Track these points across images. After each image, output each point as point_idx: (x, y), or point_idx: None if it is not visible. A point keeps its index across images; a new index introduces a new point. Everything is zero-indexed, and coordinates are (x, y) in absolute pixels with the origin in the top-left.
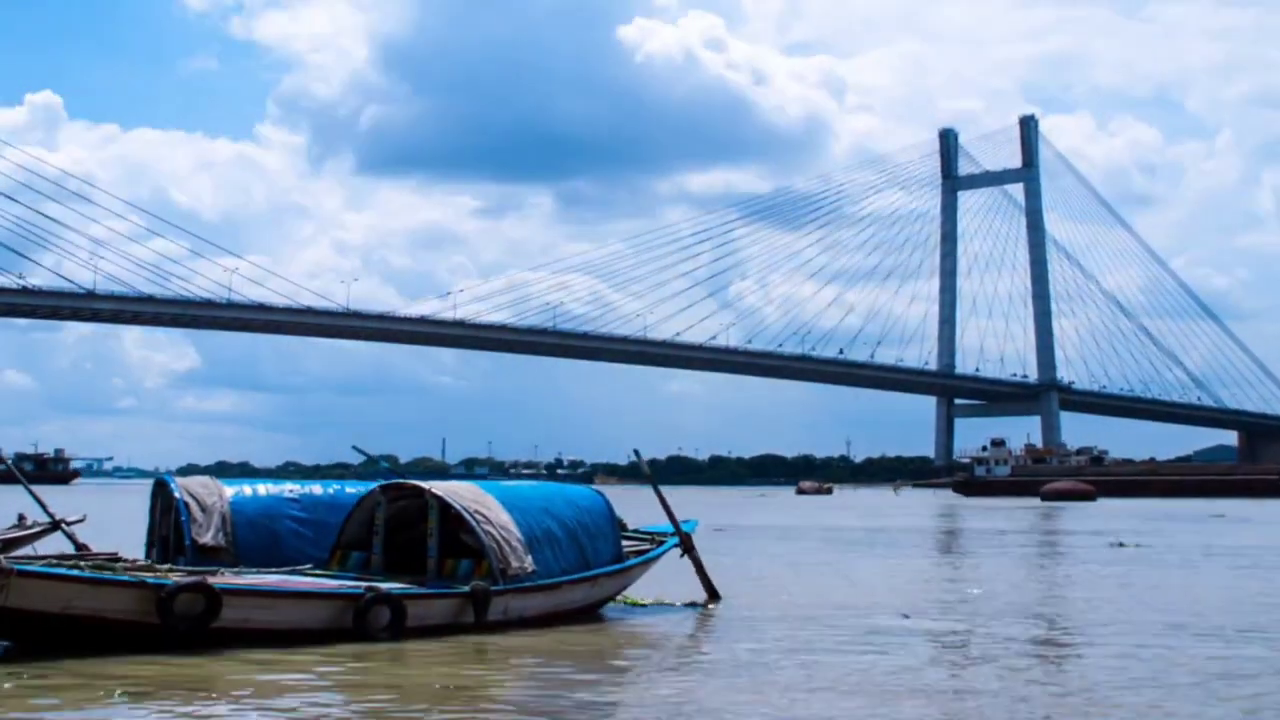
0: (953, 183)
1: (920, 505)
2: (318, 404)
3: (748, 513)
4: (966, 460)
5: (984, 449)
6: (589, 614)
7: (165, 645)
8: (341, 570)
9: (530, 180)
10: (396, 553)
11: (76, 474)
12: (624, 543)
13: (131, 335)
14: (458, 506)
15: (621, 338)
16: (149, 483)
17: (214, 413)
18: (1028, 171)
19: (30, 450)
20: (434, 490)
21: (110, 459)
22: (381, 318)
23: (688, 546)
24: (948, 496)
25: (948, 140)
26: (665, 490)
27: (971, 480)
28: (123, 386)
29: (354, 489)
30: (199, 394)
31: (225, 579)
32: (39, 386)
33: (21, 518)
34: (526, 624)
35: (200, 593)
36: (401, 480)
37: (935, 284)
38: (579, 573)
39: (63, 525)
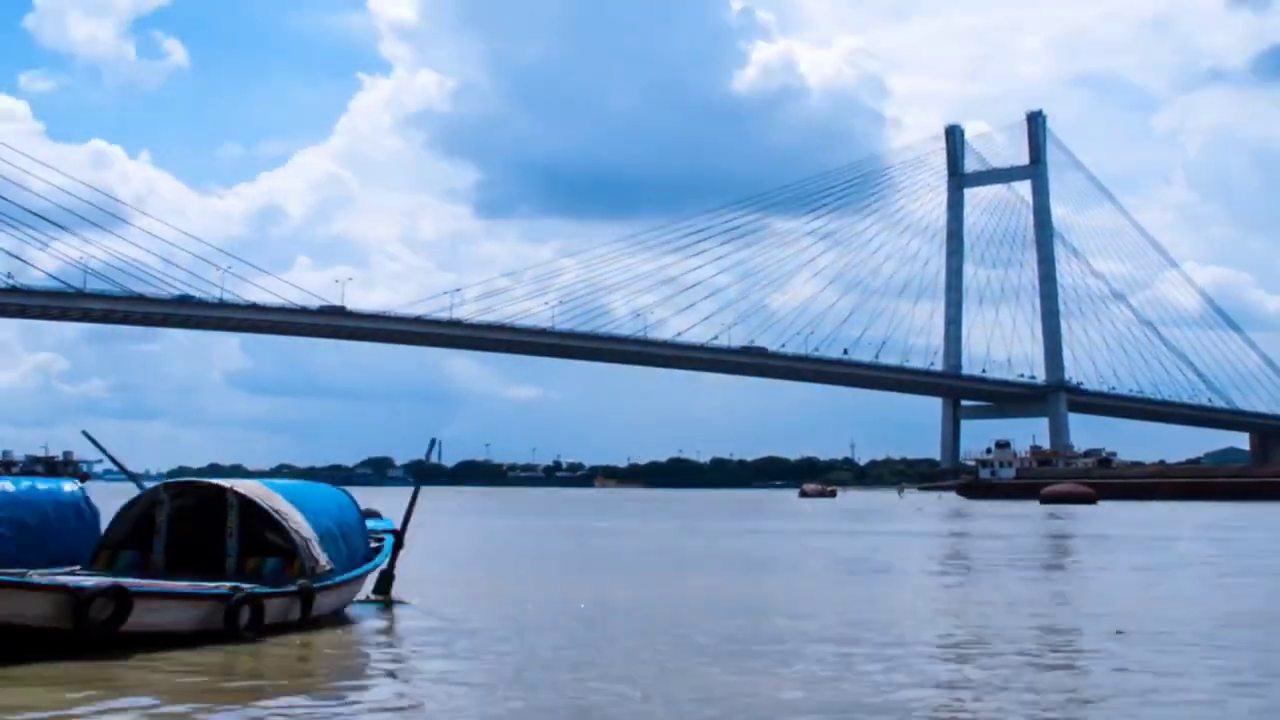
0: (959, 180)
1: (927, 508)
2: (314, 406)
3: (758, 520)
4: (972, 463)
5: (989, 451)
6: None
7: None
8: (113, 570)
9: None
10: (177, 552)
11: (87, 476)
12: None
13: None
14: (265, 505)
15: (622, 338)
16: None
17: (210, 415)
18: (1035, 169)
19: (41, 453)
20: (236, 488)
21: (100, 461)
22: (376, 318)
23: (398, 544)
24: (952, 500)
25: (954, 137)
26: (664, 492)
27: (976, 483)
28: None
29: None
30: (196, 396)
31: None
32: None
33: None
34: (323, 622)
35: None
36: (190, 480)
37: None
38: (349, 571)
39: None
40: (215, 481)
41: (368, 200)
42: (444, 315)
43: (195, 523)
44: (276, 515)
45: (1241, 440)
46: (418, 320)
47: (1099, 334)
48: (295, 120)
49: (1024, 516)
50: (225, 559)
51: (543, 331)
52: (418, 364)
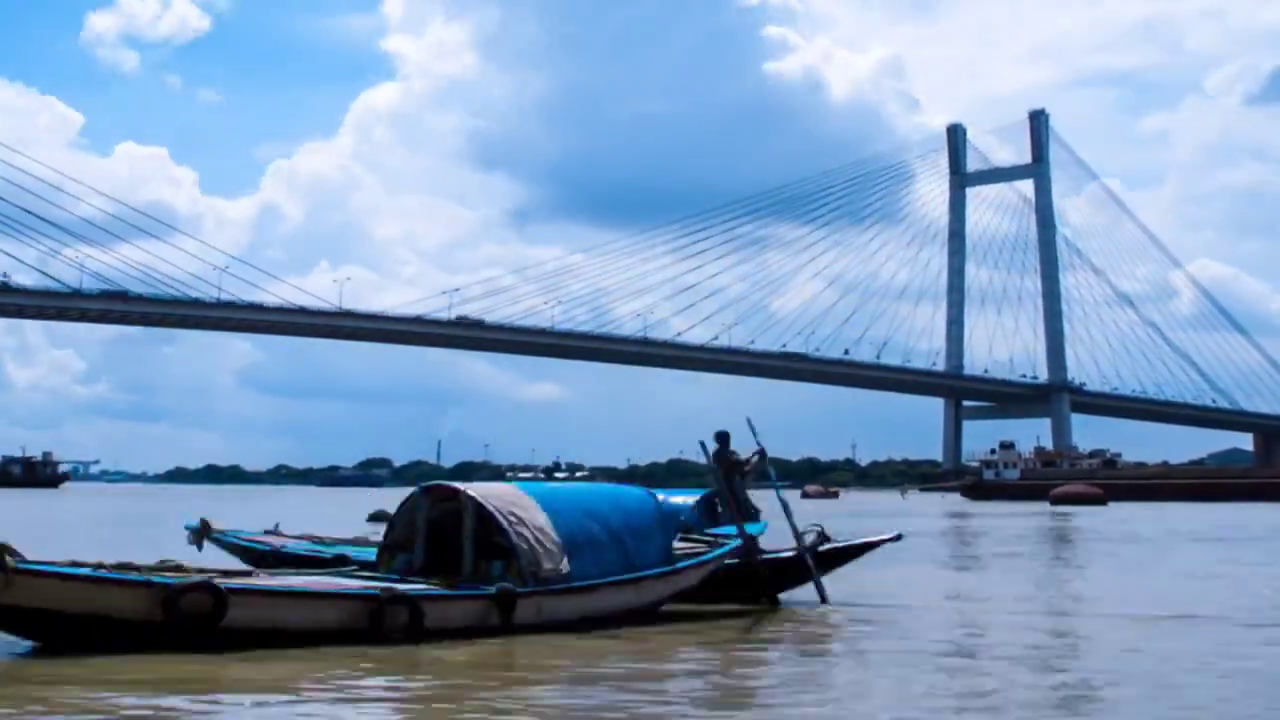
0: (960, 179)
1: (931, 507)
2: (312, 407)
3: None
4: (975, 464)
5: (992, 452)
6: (645, 615)
7: (173, 644)
8: (388, 571)
9: None
10: (438, 554)
11: (66, 478)
12: (691, 544)
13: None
14: (490, 507)
15: (621, 338)
16: (137, 486)
17: (204, 416)
18: (1037, 167)
19: (19, 454)
20: (469, 492)
21: (97, 462)
22: (375, 317)
23: (749, 550)
24: (956, 501)
25: (955, 136)
26: (662, 495)
27: (980, 484)
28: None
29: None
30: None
31: (234, 579)
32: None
33: None
34: (562, 627)
35: (207, 592)
36: (441, 482)
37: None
38: (622, 575)
39: None
40: (456, 485)
41: (385, 203)
42: (444, 315)
43: (451, 525)
44: (499, 517)
45: (1245, 441)
46: (417, 320)
47: (1100, 333)
48: (305, 122)
49: (1041, 514)
50: (462, 562)
51: (541, 331)
52: (417, 364)
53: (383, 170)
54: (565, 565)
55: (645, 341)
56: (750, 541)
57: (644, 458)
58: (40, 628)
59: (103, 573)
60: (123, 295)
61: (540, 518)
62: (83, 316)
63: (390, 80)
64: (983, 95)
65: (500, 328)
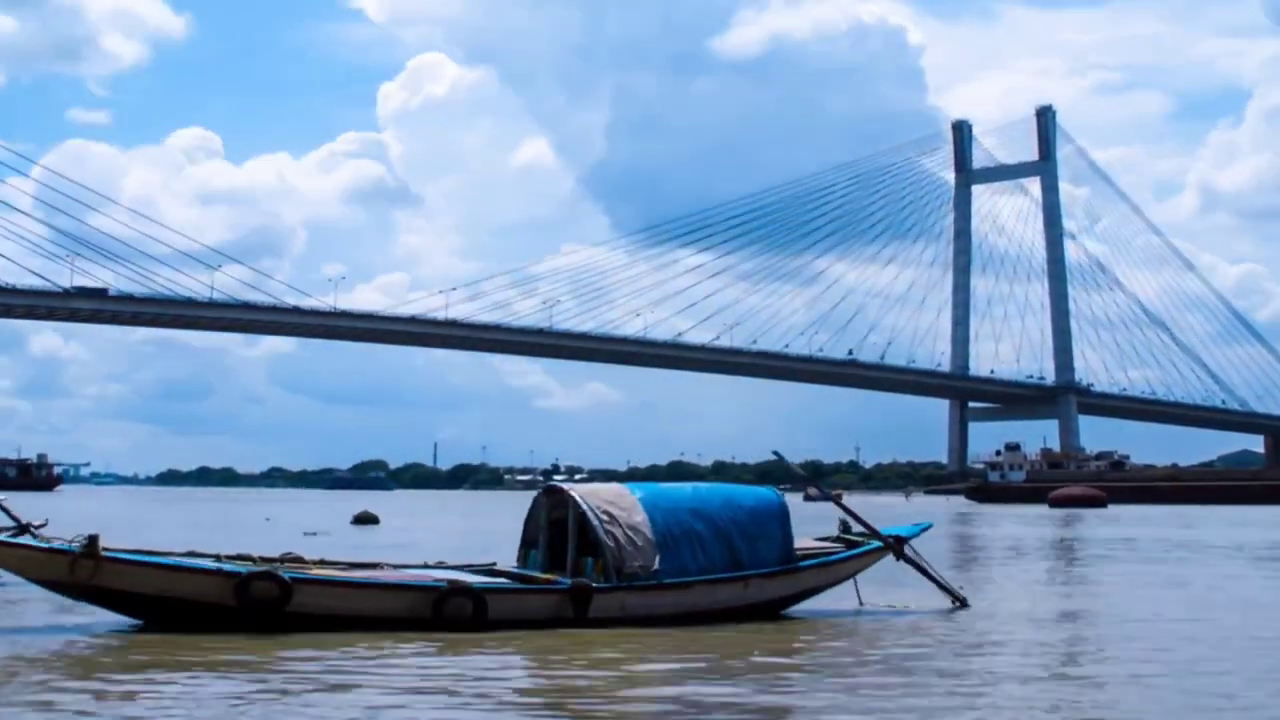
0: (966, 176)
1: (936, 510)
2: (305, 409)
3: None
4: (980, 466)
5: (998, 453)
6: (769, 615)
7: (243, 627)
8: (523, 567)
9: None
10: (559, 552)
11: (60, 479)
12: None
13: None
14: (584, 506)
15: (620, 338)
16: (129, 489)
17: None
18: (1044, 165)
19: (14, 456)
20: (571, 492)
21: (88, 464)
22: (370, 317)
23: (898, 553)
24: (961, 503)
25: (961, 133)
26: None
27: (986, 486)
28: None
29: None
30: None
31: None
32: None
33: None
34: (653, 622)
35: (272, 581)
36: (555, 484)
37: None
38: (727, 573)
39: (30, 529)
40: (563, 485)
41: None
42: (440, 315)
43: (565, 524)
44: (591, 515)
45: (1256, 443)
46: (412, 320)
47: (1110, 335)
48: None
49: (1046, 518)
50: (567, 559)
51: (539, 331)
52: (415, 364)
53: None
54: (656, 563)
55: (643, 342)
56: (898, 542)
57: (644, 460)
58: (129, 607)
59: (178, 560)
60: (113, 295)
61: (638, 516)
62: (72, 316)
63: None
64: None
65: (495, 328)
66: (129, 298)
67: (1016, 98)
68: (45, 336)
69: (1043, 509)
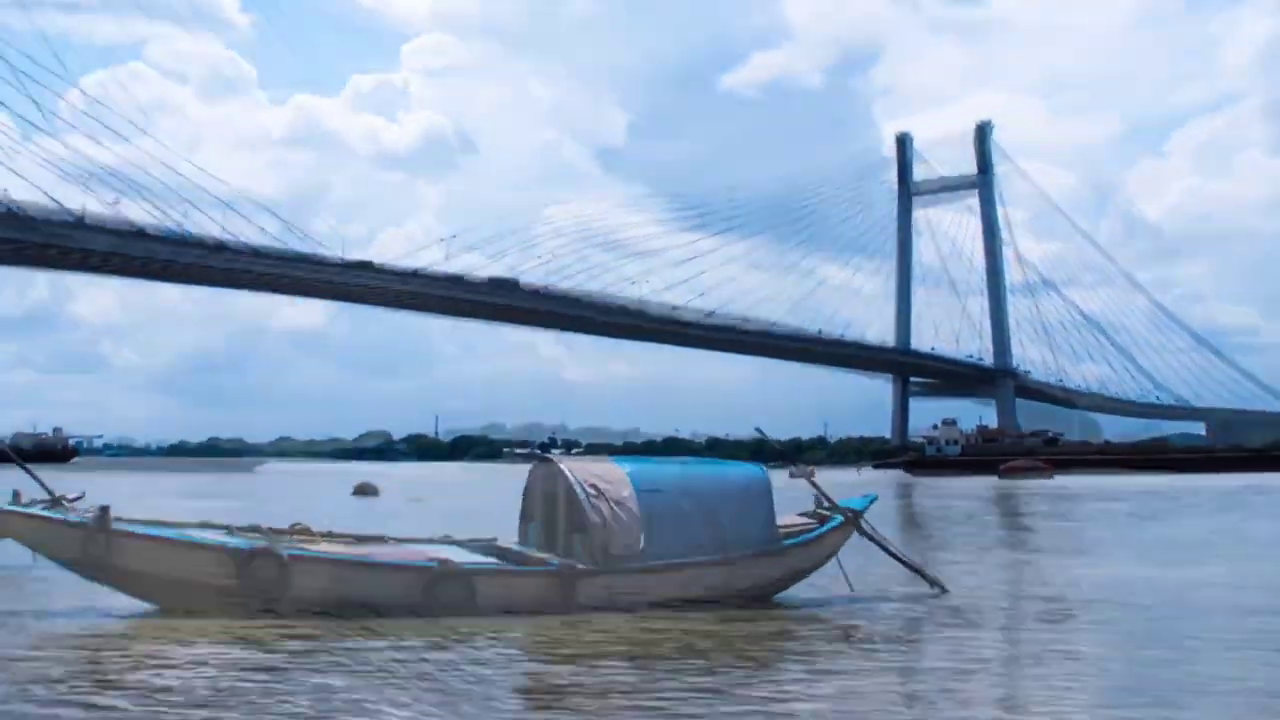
0: (908, 188)
1: (881, 482)
2: (308, 378)
3: None
4: (919, 439)
5: (934, 428)
6: (763, 600)
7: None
8: (524, 542)
9: None
10: (554, 527)
11: (75, 452)
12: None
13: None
14: (572, 479)
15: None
16: (143, 460)
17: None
18: (982, 178)
19: (29, 429)
20: (560, 465)
21: (100, 436)
22: (380, 271)
23: (856, 526)
24: (898, 475)
25: (903, 146)
26: None
27: (922, 459)
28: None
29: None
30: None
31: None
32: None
33: (16, 495)
34: (641, 608)
35: (271, 558)
36: (548, 455)
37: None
38: (713, 554)
39: (63, 501)
40: (552, 457)
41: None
42: (441, 271)
43: (558, 499)
44: (578, 490)
45: (1197, 428)
46: (415, 275)
47: (1048, 346)
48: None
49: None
50: (559, 535)
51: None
52: (414, 331)
53: None
54: (641, 541)
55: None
56: (852, 516)
57: (639, 438)
58: (136, 587)
59: (186, 535)
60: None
61: (625, 492)
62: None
63: None
64: None
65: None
66: (139, 233)
67: None
68: (65, 307)
69: (973, 480)
